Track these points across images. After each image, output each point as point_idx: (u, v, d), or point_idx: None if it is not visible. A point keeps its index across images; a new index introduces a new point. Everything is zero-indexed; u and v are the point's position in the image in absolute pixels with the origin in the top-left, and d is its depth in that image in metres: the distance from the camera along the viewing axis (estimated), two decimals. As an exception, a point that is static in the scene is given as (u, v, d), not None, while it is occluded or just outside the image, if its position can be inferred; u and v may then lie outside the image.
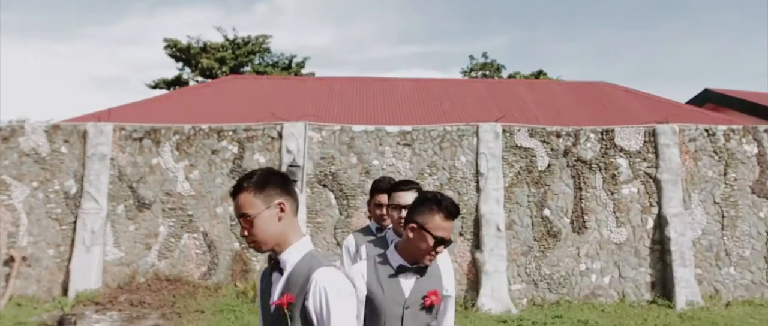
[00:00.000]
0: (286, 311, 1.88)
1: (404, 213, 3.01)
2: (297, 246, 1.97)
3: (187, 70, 26.13)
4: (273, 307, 1.92)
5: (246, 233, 1.94)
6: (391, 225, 3.52)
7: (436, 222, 2.35)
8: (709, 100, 17.91)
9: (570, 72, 56.90)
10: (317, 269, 1.86)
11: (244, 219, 1.94)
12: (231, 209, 9.59)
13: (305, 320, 1.85)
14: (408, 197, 3.02)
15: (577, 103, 14.82)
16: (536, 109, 14.08)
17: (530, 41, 54.64)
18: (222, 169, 9.77)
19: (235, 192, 1.98)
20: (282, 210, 1.95)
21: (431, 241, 2.35)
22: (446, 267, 2.74)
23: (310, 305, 1.83)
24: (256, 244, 1.95)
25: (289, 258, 1.95)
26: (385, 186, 3.66)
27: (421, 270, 2.44)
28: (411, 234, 2.38)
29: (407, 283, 2.42)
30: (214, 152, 9.82)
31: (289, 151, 9.61)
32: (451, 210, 2.39)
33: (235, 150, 9.82)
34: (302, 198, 9.51)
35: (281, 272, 1.96)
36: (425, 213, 2.37)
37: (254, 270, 9.46)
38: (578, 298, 9.45)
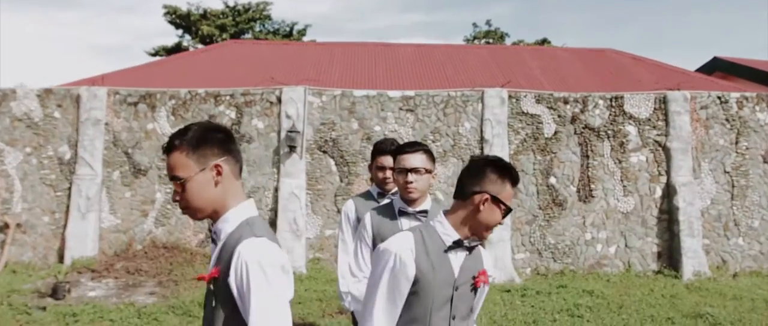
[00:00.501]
0: (210, 286, 1.63)
1: (411, 177, 2.82)
2: (234, 212, 1.70)
3: (188, 37, 25.72)
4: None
5: (178, 198, 1.67)
6: (394, 190, 3.34)
7: (508, 192, 2.06)
8: (718, 68, 17.50)
9: (574, 41, 56.13)
10: (244, 240, 1.58)
11: (175, 182, 1.67)
12: (229, 176, 9.38)
13: (228, 298, 1.57)
14: (415, 159, 2.86)
15: (583, 69, 14.46)
16: (542, 75, 13.74)
17: (534, 9, 53.76)
18: (219, 135, 9.50)
19: (166, 151, 1.70)
20: (219, 173, 1.69)
21: (501, 213, 2.05)
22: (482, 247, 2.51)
23: (232, 281, 1.55)
24: (189, 211, 1.69)
25: (224, 227, 1.69)
26: (388, 147, 3.43)
27: (472, 247, 2.11)
28: (482, 206, 2.00)
29: (456, 260, 2.08)
30: (211, 117, 9.54)
31: (288, 117, 9.34)
32: (517, 178, 2.11)
33: (233, 115, 9.54)
34: (302, 163, 9.28)
35: (216, 242, 1.71)
36: (496, 182, 2.03)
37: (253, 238, 9.27)
38: (583, 268, 9.29)
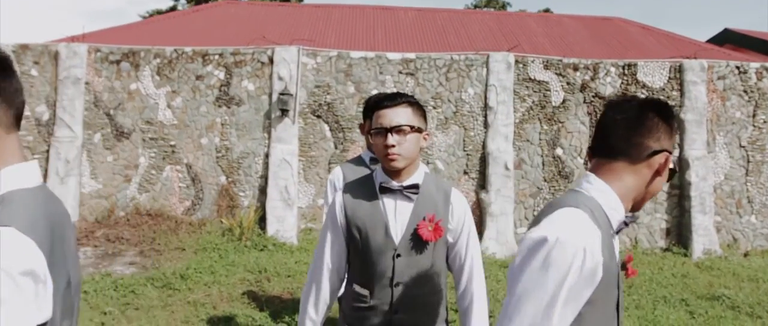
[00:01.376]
0: None
1: (391, 138, 2.04)
2: None
3: (183, 0, 24.80)
4: None
5: None
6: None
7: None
8: (729, 40, 16.90)
9: (577, 11, 55.01)
10: None
11: None
12: (217, 140, 8.86)
13: None
14: (397, 115, 2.08)
15: (590, 38, 13.84)
16: (548, 43, 13.11)
17: (538, -21, 52.40)
18: (207, 97, 8.95)
19: None
20: None
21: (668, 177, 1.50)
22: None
23: None
24: None
25: None
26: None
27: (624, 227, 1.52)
28: (663, 171, 1.46)
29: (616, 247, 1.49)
30: (198, 78, 8.97)
31: (280, 78, 8.77)
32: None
33: (222, 75, 8.96)
34: (294, 128, 8.74)
35: None
36: (670, 135, 1.47)
37: (242, 206, 8.80)
38: (588, 244, 8.84)
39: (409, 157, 2.09)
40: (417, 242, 2.10)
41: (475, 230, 2.25)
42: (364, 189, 2.20)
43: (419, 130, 2.11)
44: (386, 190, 2.14)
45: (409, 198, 2.12)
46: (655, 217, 8.92)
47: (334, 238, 2.19)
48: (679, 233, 8.88)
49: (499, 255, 8.35)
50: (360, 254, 2.16)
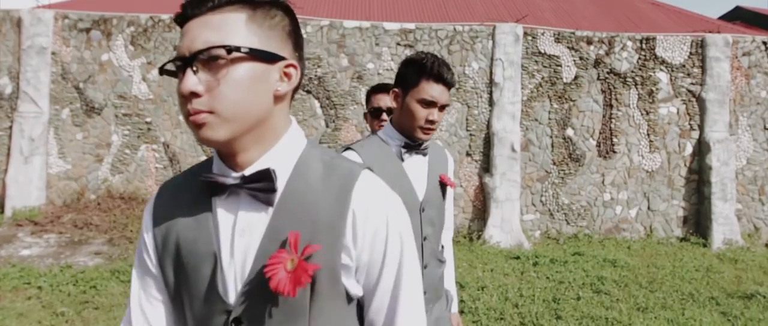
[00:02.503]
0: None
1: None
2: None
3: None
4: None
5: None
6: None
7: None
8: (740, 18, 16.19)
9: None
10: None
11: None
12: (196, 117, 8.07)
13: None
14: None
15: (598, 14, 13.06)
16: (554, 18, 12.33)
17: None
18: (186, 69, 8.14)
19: None
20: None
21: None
22: None
23: None
24: None
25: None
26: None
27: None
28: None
29: None
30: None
31: (266, 50, 7.96)
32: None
33: (202, 46, 8.14)
34: (282, 106, 7.97)
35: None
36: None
37: (224, 190, 8.05)
38: (599, 232, 8.20)
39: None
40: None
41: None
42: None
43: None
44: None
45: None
46: (672, 204, 8.26)
47: None
48: (698, 222, 8.24)
49: (504, 244, 7.68)
50: None
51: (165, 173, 8.09)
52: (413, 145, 2.01)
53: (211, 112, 0.93)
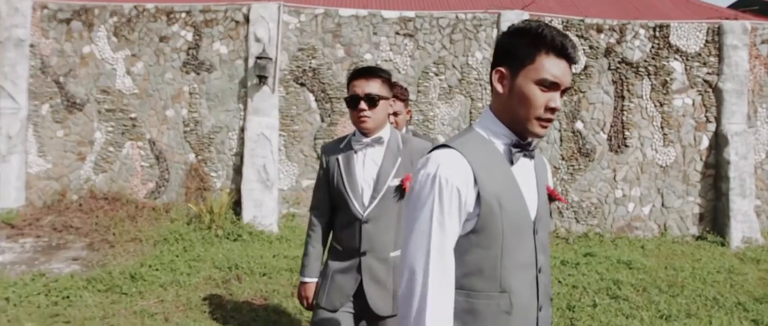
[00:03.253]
0: None
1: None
2: None
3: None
4: None
5: None
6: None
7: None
8: (748, 5, 15.71)
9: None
10: None
11: None
12: (184, 112, 7.65)
13: None
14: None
15: (605, 3, 12.58)
16: (559, 6, 11.85)
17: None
18: (173, 61, 7.69)
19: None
20: None
21: None
22: None
23: None
24: None
25: None
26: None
27: None
28: None
29: None
30: (162, 39, 7.70)
31: (257, 40, 7.52)
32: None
33: (190, 37, 7.70)
34: (274, 98, 7.53)
35: None
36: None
37: (214, 189, 7.62)
38: (610, 231, 7.77)
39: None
40: None
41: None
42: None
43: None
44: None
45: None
46: (687, 201, 7.82)
47: None
48: (715, 219, 7.80)
49: (510, 245, 7.24)
50: None
51: (151, 172, 7.64)
52: (523, 144, 1.54)
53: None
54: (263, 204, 7.32)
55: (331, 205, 2.51)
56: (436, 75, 7.65)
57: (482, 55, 7.69)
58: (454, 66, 7.69)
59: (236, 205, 7.48)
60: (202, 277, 5.43)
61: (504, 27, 7.60)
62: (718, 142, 7.75)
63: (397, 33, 7.67)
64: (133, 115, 7.66)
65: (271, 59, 7.39)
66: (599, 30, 7.79)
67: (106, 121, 7.65)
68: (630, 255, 6.80)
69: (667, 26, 7.81)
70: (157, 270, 5.53)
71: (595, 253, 6.84)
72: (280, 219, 7.49)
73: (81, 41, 7.71)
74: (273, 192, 7.39)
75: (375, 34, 7.65)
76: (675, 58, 7.79)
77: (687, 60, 7.80)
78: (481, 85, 7.69)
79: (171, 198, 7.60)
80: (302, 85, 7.64)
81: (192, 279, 5.35)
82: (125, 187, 7.61)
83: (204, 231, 6.81)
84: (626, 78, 7.77)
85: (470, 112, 7.67)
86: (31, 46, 7.66)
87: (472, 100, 7.67)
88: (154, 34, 7.70)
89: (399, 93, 3.39)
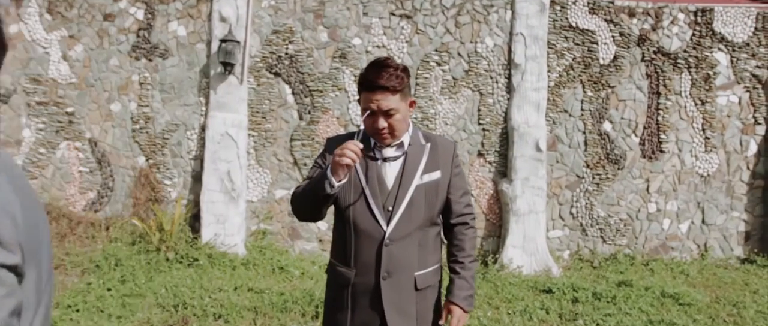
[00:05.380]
0: None
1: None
2: None
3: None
4: None
5: None
6: None
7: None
8: None
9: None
10: None
11: None
12: (133, 106, 6.32)
13: None
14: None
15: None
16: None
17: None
18: (119, 44, 6.35)
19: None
20: None
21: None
22: None
23: None
24: None
25: None
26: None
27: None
28: None
29: None
30: (107, 17, 6.35)
31: (223, 19, 6.20)
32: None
33: (141, 15, 6.35)
34: (242, 90, 6.21)
35: None
36: None
37: (168, 199, 6.28)
38: (642, 252, 6.56)
39: None
40: None
41: None
42: None
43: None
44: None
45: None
46: (732, 217, 6.64)
47: None
48: (763, 238, 6.63)
49: (527, 270, 6.01)
50: None
51: (91, 179, 6.28)
52: None
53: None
54: (227, 220, 6.00)
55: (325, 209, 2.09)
56: (439, 65, 6.38)
57: (493, 41, 6.44)
58: (459, 54, 6.43)
59: (195, 220, 6.16)
60: (135, 322, 4.10)
61: (519, 9, 6.36)
62: (769, 147, 6.59)
63: (393, 13, 6.39)
64: (70, 110, 6.30)
65: (238, 43, 6.08)
66: (631, 14, 6.57)
67: (37, 117, 6.28)
68: (674, 285, 5.59)
69: (710, 10, 6.62)
70: (77, 311, 4.21)
71: (630, 282, 5.62)
72: (247, 238, 6.18)
73: (7, 19, 6.32)
74: (239, 204, 6.07)
75: (365, 14, 6.37)
76: (719, 49, 6.61)
77: (733, 51, 6.62)
78: (491, 78, 6.43)
79: (116, 211, 6.25)
80: (277, 74, 6.33)
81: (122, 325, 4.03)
82: (59, 197, 6.25)
83: (151, 254, 5.47)
84: (662, 71, 6.57)
85: (478, 110, 6.42)
86: (-54, 23, 6.27)
87: (481, 94, 6.41)
88: (97, 11, 6.34)
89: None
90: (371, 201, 2.07)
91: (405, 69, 2.04)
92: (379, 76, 1.97)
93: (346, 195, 2.09)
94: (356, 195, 2.08)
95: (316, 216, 2.09)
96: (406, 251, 2.07)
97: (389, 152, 2.11)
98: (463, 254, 2.18)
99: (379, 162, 2.11)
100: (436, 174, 2.13)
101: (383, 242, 2.03)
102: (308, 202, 2.04)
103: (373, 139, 2.11)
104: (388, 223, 2.05)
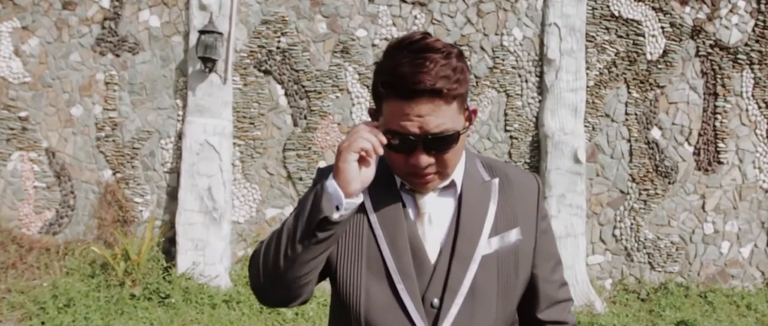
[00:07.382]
0: None
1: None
2: None
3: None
4: None
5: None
6: None
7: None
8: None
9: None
10: None
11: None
12: (98, 109, 5.39)
13: None
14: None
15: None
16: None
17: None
18: (81, 37, 5.41)
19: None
20: None
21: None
22: None
23: None
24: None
25: None
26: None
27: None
28: None
29: None
30: (67, 6, 5.40)
31: (203, 7, 5.25)
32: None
33: (106, 3, 5.41)
34: (226, 92, 5.26)
35: None
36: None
37: (139, 220, 5.32)
38: (697, 281, 5.61)
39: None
40: None
41: None
42: None
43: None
44: None
45: None
46: (801, 239, 5.69)
47: None
48: (839, 264, 5.68)
49: (565, 305, 5.04)
50: None
51: (49, 196, 5.33)
52: None
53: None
54: (208, 246, 5.04)
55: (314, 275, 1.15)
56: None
57: (523, 33, 5.49)
58: (482, 48, 5.48)
59: (171, 244, 5.21)
60: (75, 394, 3.14)
61: (554, -6, 5.42)
62: None
63: (403, 0, 5.44)
64: (23, 114, 5.35)
65: (221, 35, 5.13)
66: (684, 1, 5.64)
67: (-14, 122, 5.34)
68: (739, 323, 4.64)
69: (776, -3, 5.68)
70: (1, 377, 3.24)
71: (693, 322, 4.67)
72: (232, 267, 5.22)
73: (-49, 8, 5.39)
74: (223, 227, 5.11)
75: (371, 1, 5.42)
76: (786, 42, 5.67)
77: (802, 44, 5.68)
78: (520, 76, 5.49)
79: (77, 234, 5.30)
80: (267, 72, 5.38)
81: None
82: (11, 217, 5.29)
83: (113, 290, 4.51)
84: (721, 68, 5.64)
85: (505, 114, 5.47)
86: None
87: (507, 96, 5.46)
88: (56, -2, 5.40)
89: None
90: (401, 287, 1.16)
91: (460, 54, 1.12)
92: (422, 70, 1.05)
93: (354, 273, 1.18)
94: (373, 274, 1.18)
95: (293, 285, 1.13)
96: None
97: (430, 199, 1.22)
98: None
99: (411, 215, 1.22)
100: (513, 234, 1.23)
101: None
102: (284, 252, 1.11)
103: (399, 178, 1.22)
104: (438, 319, 1.16)
